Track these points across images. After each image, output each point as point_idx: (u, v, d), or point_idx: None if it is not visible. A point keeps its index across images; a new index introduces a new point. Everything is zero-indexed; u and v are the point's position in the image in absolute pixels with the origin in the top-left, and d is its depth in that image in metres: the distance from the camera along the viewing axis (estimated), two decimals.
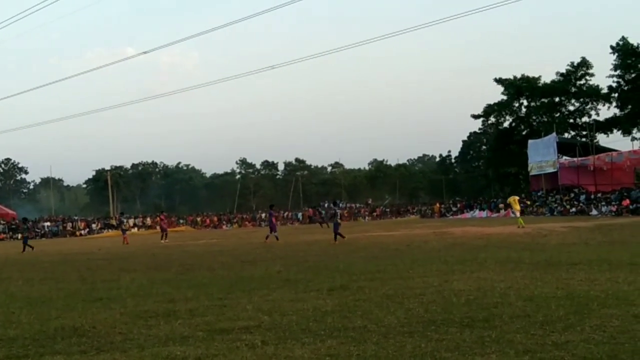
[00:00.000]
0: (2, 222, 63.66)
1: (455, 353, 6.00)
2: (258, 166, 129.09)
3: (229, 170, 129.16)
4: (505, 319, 7.43)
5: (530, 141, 65.13)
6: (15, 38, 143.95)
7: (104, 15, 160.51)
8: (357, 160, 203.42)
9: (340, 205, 71.90)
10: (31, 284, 14.69)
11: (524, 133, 76.57)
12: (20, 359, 6.70)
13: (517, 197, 34.43)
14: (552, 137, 59.88)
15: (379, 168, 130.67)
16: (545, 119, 74.42)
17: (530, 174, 65.24)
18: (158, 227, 45.13)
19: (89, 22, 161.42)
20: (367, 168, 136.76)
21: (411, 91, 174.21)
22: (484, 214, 61.55)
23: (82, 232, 63.26)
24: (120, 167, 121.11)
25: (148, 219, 69.51)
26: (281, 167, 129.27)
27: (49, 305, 10.68)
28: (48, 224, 65.27)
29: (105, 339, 7.60)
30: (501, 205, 58.65)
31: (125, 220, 62.63)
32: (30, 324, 8.78)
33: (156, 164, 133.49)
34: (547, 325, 7.00)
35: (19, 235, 32.47)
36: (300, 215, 74.37)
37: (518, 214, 32.69)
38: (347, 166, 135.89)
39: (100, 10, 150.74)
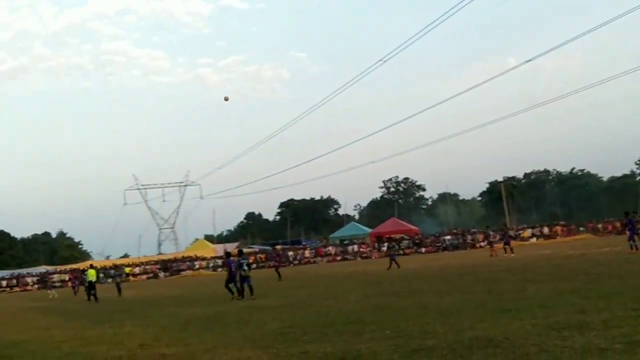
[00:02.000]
0: (406, 237, 68.98)
1: None
2: None
3: (627, 172, 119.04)
4: None
5: None
6: (395, 65, 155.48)
7: (480, 28, 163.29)
8: None
9: None
10: (440, 296, 15.40)
11: None
12: None
13: None
14: None
15: None
16: None
17: None
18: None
19: (464, 39, 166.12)
20: None
21: None
22: None
23: (481, 244, 64.83)
24: (513, 178, 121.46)
25: (545, 228, 67.95)
26: None
27: (460, 316, 11.01)
28: (448, 237, 68.48)
29: (520, 350, 7.47)
30: None
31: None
32: (445, 335, 9.12)
33: (549, 171, 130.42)
34: None
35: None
36: None
37: None
38: None
39: (471, 24, 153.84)
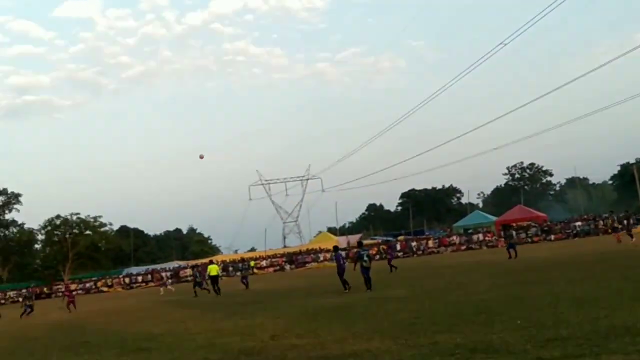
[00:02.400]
0: (534, 224, 66.63)
1: None
2: None
3: None
4: None
5: None
6: (519, 47, 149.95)
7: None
8: None
9: None
10: (573, 284, 14.90)
11: None
12: (577, 358, 6.79)
13: None
14: None
15: None
16: None
17: None
18: None
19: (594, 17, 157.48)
20: None
21: None
22: None
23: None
24: None
25: None
26: None
27: (595, 305, 10.63)
28: (579, 223, 65.49)
29: None
30: None
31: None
32: (580, 324, 8.86)
33: None
34: None
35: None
36: None
37: None
38: None
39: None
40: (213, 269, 32.59)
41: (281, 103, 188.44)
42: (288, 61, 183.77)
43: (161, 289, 45.47)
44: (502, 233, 65.61)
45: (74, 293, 41.35)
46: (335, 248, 24.38)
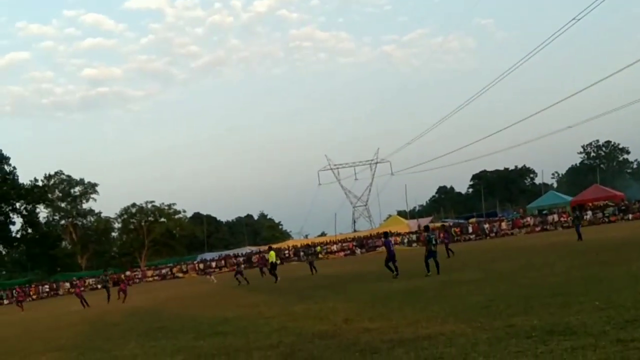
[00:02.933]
0: (611, 204, 64.43)
1: None
2: None
3: None
4: None
5: None
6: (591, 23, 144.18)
7: None
8: None
9: None
10: None
11: None
12: None
13: None
14: None
15: None
16: None
17: None
18: None
19: None
20: None
21: None
22: None
23: None
24: None
25: None
26: None
27: None
28: None
29: None
30: None
31: None
32: None
33: None
34: None
35: None
36: None
37: None
38: None
39: None
40: (272, 256, 33.14)
41: (348, 87, 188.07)
42: (355, 45, 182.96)
43: (209, 277, 45.88)
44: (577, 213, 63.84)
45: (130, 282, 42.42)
46: (385, 234, 24.77)
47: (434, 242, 21.30)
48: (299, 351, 9.05)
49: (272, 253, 33.77)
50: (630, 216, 59.45)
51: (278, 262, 36.77)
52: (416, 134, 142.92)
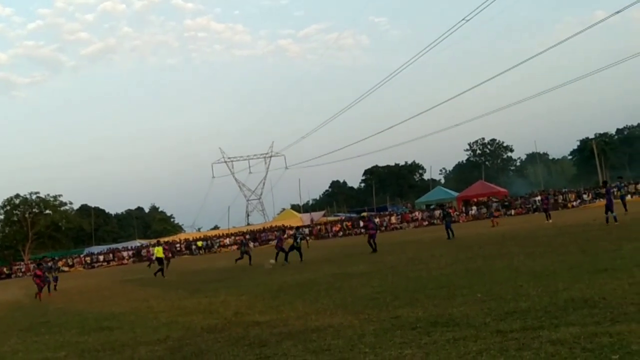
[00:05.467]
0: (495, 199, 67.61)
1: None
2: None
3: None
4: None
5: None
6: (480, 23, 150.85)
7: None
8: None
9: None
10: (532, 258, 15.11)
11: None
12: (536, 330, 6.85)
13: None
14: None
15: None
16: None
17: None
18: None
19: None
20: None
21: None
22: None
23: (574, 203, 62.80)
24: (605, 134, 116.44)
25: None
26: None
27: (554, 278, 10.78)
28: (538, 198, 66.64)
29: (618, 310, 7.30)
30: None
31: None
32: (539, 297, 8.97)
33: None
34: None
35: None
36: None
37: None
38: None
39: None
40: (159, 251, 32.52)
41: (244, 80, 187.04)
42: (251, 38, 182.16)
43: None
44: (463, 209, 66.51)
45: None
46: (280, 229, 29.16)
47: (298, 240, 28.63)
48: (187, 345, 8.90)
49: (159, 248, 33.09)
50: (513, 212, 62.63)
51: (168, 256, 36.08)
52: (310, 129, 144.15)
